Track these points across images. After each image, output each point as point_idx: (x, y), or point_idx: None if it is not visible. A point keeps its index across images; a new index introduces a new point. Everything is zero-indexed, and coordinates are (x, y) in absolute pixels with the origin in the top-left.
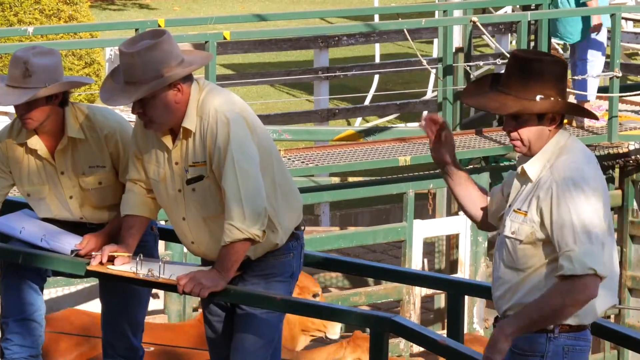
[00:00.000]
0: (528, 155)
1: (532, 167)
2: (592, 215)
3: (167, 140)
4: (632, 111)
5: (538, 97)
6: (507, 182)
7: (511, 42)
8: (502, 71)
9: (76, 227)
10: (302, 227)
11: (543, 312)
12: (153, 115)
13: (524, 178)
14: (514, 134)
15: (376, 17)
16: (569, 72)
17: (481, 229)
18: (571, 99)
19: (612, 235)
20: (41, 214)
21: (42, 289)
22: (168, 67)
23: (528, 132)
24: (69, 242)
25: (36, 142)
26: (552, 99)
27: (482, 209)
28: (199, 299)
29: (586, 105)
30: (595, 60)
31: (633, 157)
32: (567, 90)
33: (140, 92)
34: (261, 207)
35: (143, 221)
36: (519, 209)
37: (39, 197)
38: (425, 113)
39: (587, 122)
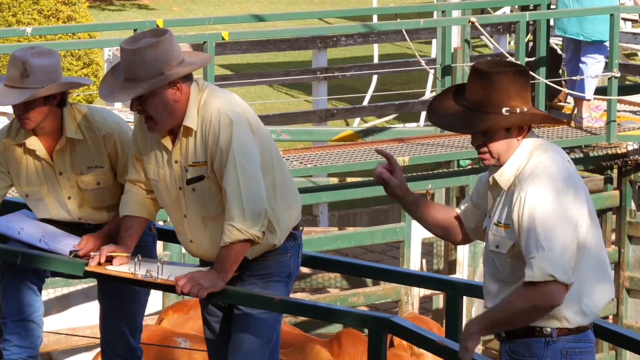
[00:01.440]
0: (497, 165)
1: (502, 177)
2: (557, 221)
3: (167, 141)
4: (630, 111)
5: (504, 110)
6: (476, 192)
7: (509, 43)
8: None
9: (75, 228)
10: (301, 228)
11: (507, 315)
12: (153, 113)
13: (496, 189)
14: (483, 149)
15: (374, 17)
16: (566, 72)
17: (463, 244)
18: (570, 100)
19: (598, 227)
20: (40, 214)
21: (40, 290)
22: (168, 66)
23: (497, 146)
24: (67, 243)
25: (34, 143)
26: (518, 110)
27: (453, 227)
28: (198, 299)
29: (585, 104)
30: (602, 61)
31: (631, 157)
32: (567, 91)
33: (139, 89)
34: (262, 208)
35: (142, 222)
36: (499, 222)
37: (37, 198)
38: (423, 114)
39: (586, 122)
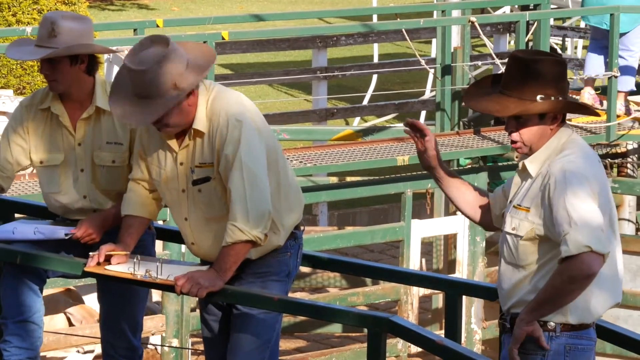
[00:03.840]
0: (529, 154)
1: (532, 164)
2: (587, 204)
3: (173, 142)
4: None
5: (538, 98)
6: (508, 183)
7: (509, 42)
8: (502, 71)
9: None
10: (302, 227)
11: (548, 294)
12: (170, 122)
13: (524, 174)
14: (515, 135)
15: (374, 17)
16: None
17: (487, 230)
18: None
19: (616, 233)
20: (49, 186)
21: (41, 290)
22: (181, 77)
23: (529, 132)
24: (61, 229)
25: (59, 108)
26: (552, 98)
27: (480, 208)
28: (197, 299)
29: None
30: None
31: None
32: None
33: (159, 109)
34: (266, 210)
35: (142, 222)
36: (519, 205)
37: (51, 165)
38: (423, 113)
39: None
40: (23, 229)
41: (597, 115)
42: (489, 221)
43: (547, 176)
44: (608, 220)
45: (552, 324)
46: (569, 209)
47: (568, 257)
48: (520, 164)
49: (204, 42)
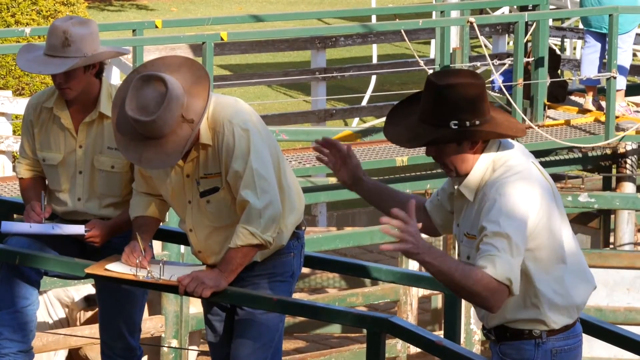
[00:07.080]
0: (459, 176)
1: (467, 188)
2: (518, 227)
3: None
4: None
5: (452, 124)
6: (443, 190)
7: (508, 43)
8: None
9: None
10: (303, 227)
11: (458, 281)
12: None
13: (462, 199)
14: (438, 160)
15: (373, 17)
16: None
17: (432, 236)
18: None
19: (569, 226)
20: (52, 184)
21: (39, 284)
22: (185, 110)
23: (449, 159)
24: (79, 226)
25: (62, 111)
26: (467, 123)
27: (424, 218)
28: (199, 300)
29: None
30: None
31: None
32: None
33: (178, 147)
34: (277, 214)
35: (152, 220)
36: (469, 233)
37: (52, 164)
38: None
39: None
40: (39, 225)
41: (519, 135)
42: (434, 229)
43: (485, 199)
44: (560, 224)
45: (537, 331)
46: (501, 233)
47: (490, 276)
48: (456, 191)
49: (203, 43)
